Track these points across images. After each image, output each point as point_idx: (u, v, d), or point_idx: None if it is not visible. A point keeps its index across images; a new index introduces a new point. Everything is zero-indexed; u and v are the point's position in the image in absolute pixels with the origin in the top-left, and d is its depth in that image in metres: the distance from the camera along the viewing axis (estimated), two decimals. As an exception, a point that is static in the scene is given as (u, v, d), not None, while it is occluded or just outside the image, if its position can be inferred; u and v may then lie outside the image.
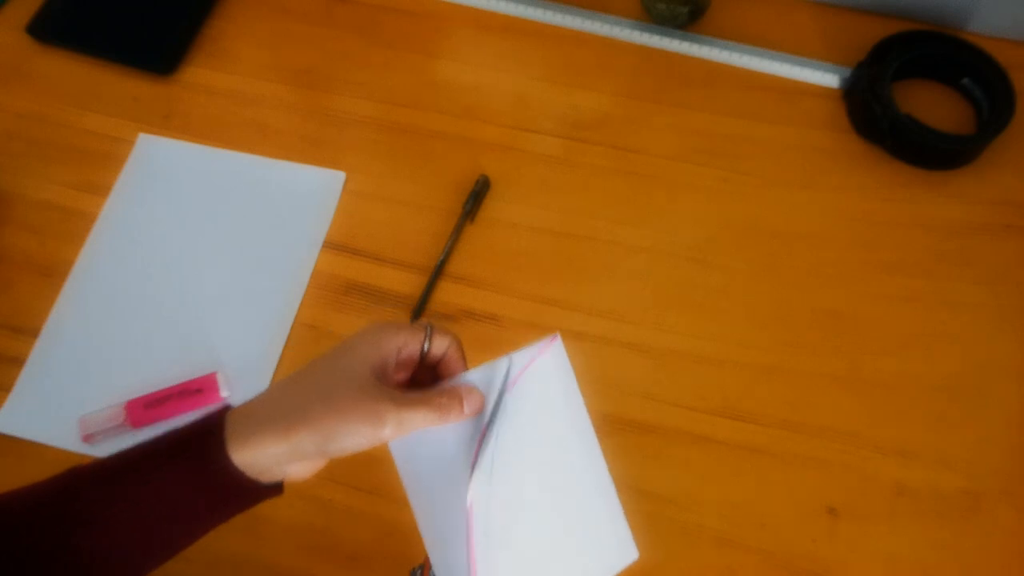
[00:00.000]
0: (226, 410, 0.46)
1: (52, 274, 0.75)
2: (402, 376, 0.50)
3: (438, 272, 0.74)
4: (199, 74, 0.85)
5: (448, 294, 0.74)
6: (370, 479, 0.67)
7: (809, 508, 0.65)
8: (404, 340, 0.48)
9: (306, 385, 0.46)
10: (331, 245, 0.76)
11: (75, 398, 0.69)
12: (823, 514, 0.65)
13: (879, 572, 0.63)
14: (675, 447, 0.68)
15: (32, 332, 0.72)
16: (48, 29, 0.87)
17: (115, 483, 0.45)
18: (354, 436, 0.44)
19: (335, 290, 0.74)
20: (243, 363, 0.71)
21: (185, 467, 0.44)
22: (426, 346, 0.49)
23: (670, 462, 0.67)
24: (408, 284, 0.74)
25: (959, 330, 0.72)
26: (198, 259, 0.76)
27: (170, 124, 0.83)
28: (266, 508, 0.64)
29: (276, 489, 0.47)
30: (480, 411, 0.48)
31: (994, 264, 0.75)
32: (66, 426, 0.68)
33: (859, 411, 0.69)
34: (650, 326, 0.72)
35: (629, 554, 0.52)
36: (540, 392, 0.51)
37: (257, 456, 0.44)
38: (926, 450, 0.67)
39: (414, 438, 0.47)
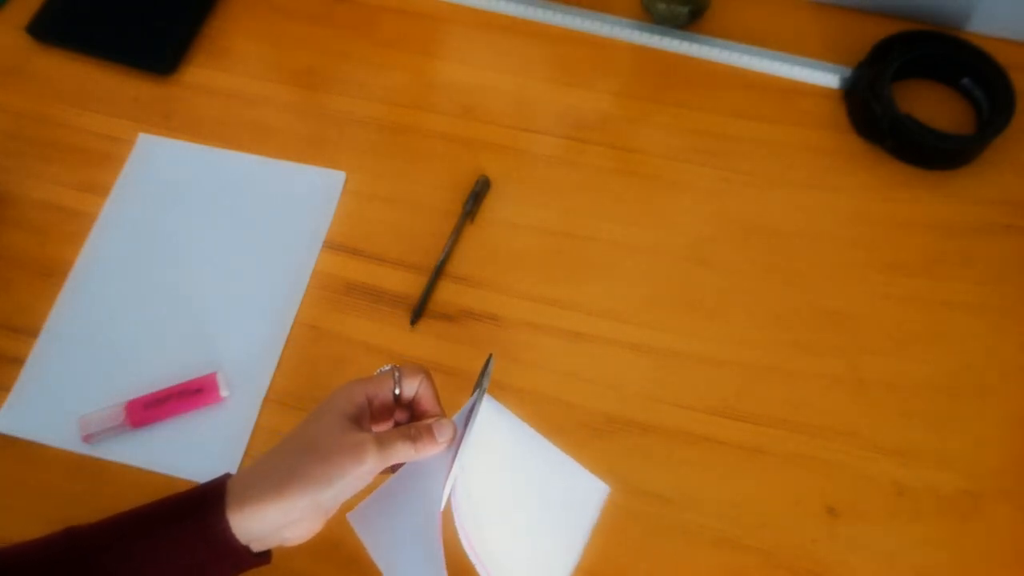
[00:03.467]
0: (227, 478, 0.48)
1: (52, 274, 0.75)
2: (381, 426, 0.53)
3: (438, 272, 0.74)
4: (199, 74, 0.85)
5: (448, 294, 0.74)
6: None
7: (809, 508, 0.65)
8: (374, 390, 0.51)
9: (291, 448, 0.49)
10: (331, 245, 0.76)
11: (75, 398, 0.69)
12: (823, 514, 0.65)
13: (879, 572, 0.63)
14: (675, 447, 0.68)
15: (32, 332, 0.72)
16: (48, 29, 0.87)
17: (124, 541, 0.46)
18: (342, 476, 0.46)
19: (335, 290, 0.74)
20: (243, 363, 0.71)
21: (190, 529, 0.46)
22: (396, 390, 0.51)
23: (670, 462, 0.67)
24: (408, 284, 0.74)
25: (959, 330, 0.72)
26: (198, 259, 0.76)
27: (170, 124, 0.83)
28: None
29: (265, 557, 0.50)
30: (452, 441, 0.50)
31: (994, 264, 0.75)
32: (66, 426, 0.68)
33: (859, 411, 0.69)
34: (650, 326, 0.72)
35: (601, 491, 0.57)
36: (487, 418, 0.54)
37: (253, 523, 0.46)
38: (926, 450, 0.67)
39: (373, 507, 0.51)
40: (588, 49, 0.87)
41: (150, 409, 0.68)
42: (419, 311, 0.73)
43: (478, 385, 0.55)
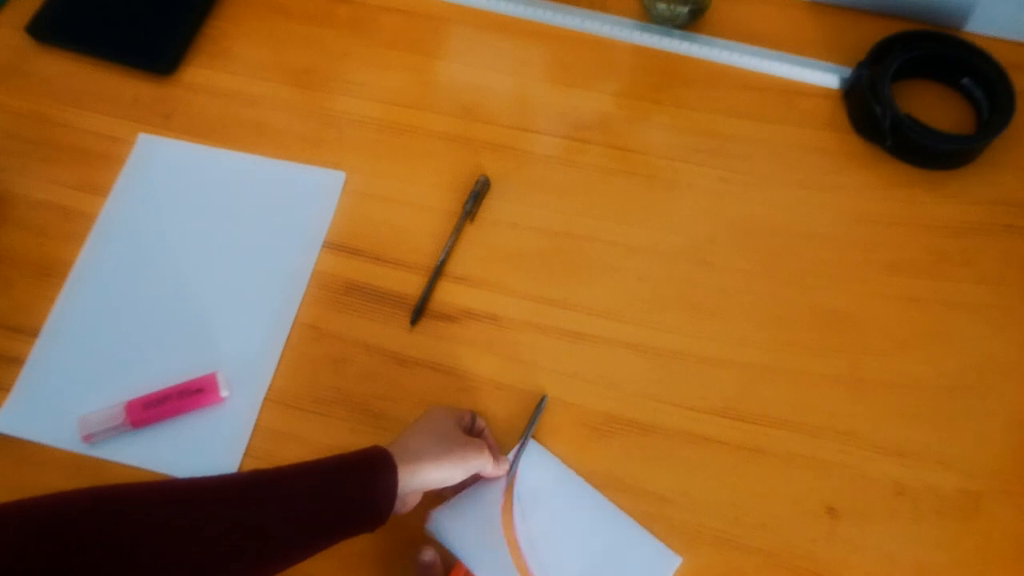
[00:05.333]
0: (392, 456, 0.56)
1: (52, 274, 0.75)
2: None
3: (438, 272, 0.74)
4: (199, 74, 0.85)
5: (448, 294, 0.74)
6: (370, 479, 0.67)
7: (809, 508, 0.65)
8: (460, 415, 0.64)
9: (429, 434, 0.60)
10: (331, 245, 0.76)
11: (75, 398, 0.69)
12: (823, 514, 0.65)
13: (879, 572, 0.63)
14: (675, 447, 0.68)
15: (32, 332, 0.72)
16: (48, 29, 0.87)
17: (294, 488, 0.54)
18: (468, 461, 0.59)
19: (335, 290, 0.74)
20: (243, 363, 0.71)
21: (364, 477, 0.55)
22: (476, 421, 0.66)
23: (670, 462, 0.67)
24: (408, 284, 0.74)
25: (959, 330, 0.72)
26: (198, 259, 0.76)
27: (170, 124, 0.83)
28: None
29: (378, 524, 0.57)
30: (500, 475, 0.63)
31: (994, 264, 0.75)
32: (66, 426, 0.68)
33: (859, 411, 0.69)
34: (650, 326, 0.72)
35: (672, 561, 0.63)
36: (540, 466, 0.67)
37: (413, 479, 0.56)
38: (926, 450, 0.67)
39: (448, 516, 0.62)
40: (588, 49, 0.87)
41: (150, 409, 0.68)
42: (419, 311, 0.73)
43: (529, 426, 0.67)
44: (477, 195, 0.77)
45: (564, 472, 0.66)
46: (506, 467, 0.64)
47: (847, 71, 0.83)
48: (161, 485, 0.50)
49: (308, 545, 0.53)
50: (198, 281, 0.75)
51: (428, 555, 0.59)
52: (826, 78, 0.83)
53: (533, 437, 0.67)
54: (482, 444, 0.61)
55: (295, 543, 0.52)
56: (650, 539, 0.63)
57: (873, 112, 0.78)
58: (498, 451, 0.64)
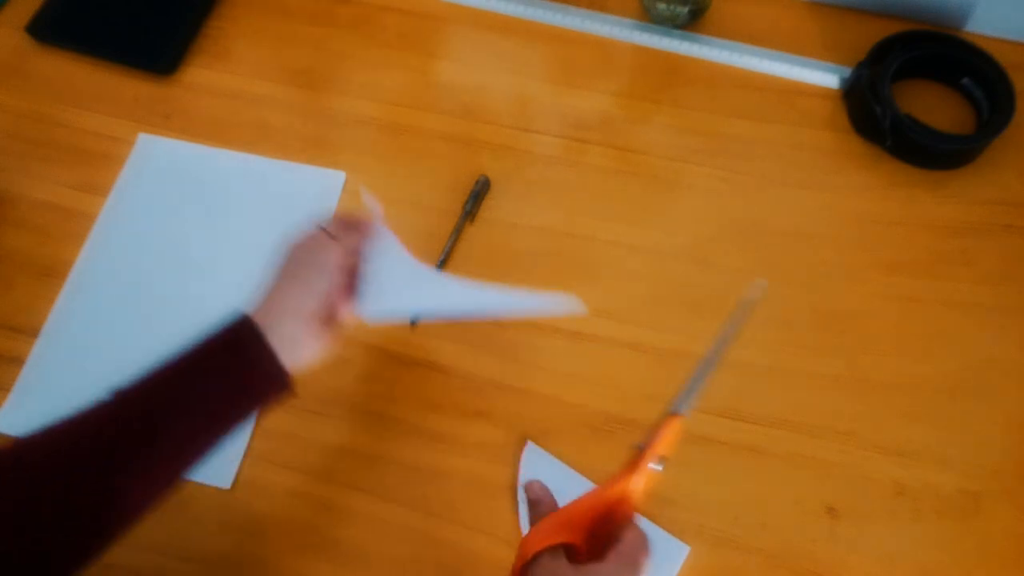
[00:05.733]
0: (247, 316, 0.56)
1: (52, 274, 0.75)
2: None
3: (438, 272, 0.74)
4: (199, 74, 0.85)
5: (448, 294, 0.74)
6: (370, 479, 0.67)
7: (809, 508, 0.65)
8: (316, 232, 0.61)
9: (284, 274, 0.59)
10: (331, 245, 0.76)
11: (75, 398, 0.69)
12: (823, 514, 0.65)
13: (879, 572, 0.63)
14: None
15: (32, 332, 0.72)
16: (48, 29, 0.87)
17: (172, 390, 0.54)
18: (315, 267, 0.58)
19: (335, 290, 0.74)
20: (243, 363, 0.71)
21: (236, 359, 0.55)
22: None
23: (670, 462, 0.67)
24: (408, 284, 0.74)
25: (959, 330, 0.72)
26: (198, 259, 0.76)
27: (170, 124, 0.83)
28: (265, 508, 0.65)
29: (292, 381, 0.56)
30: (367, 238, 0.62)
31: (994, 264, 0.74)
32: (66, 426, 0.67)
33: (859, 411, 0.69)
34: (650, 326, 0.72)
35: (681, 551, 0.63)
36: None
37: (275, 320, 0.55)
38: (926, 450, 0.67)
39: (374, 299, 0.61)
40: (588, 49, 0.86)
41: (150, 409, 0.68)
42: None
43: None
44: (477, 195, 0.77)
45: (566, 472, 0.66)
46: (367, 228, 0.62)
47: (847, 71, 0.83)
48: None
49: (209, 431, 0.54)
50: (198, 281, 0.75)
51: (535, 490, 0.57)
52: (826, 78, 0.83)
53: (532, 440, 0.67)
54: (335, 243, 0.59)
55: (190, 437, 0.53)
56: (657, 531, 0.64)
57: (873, 112, 0.78)
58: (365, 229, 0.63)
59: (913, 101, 0.80)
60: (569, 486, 0.65)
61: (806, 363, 0.71)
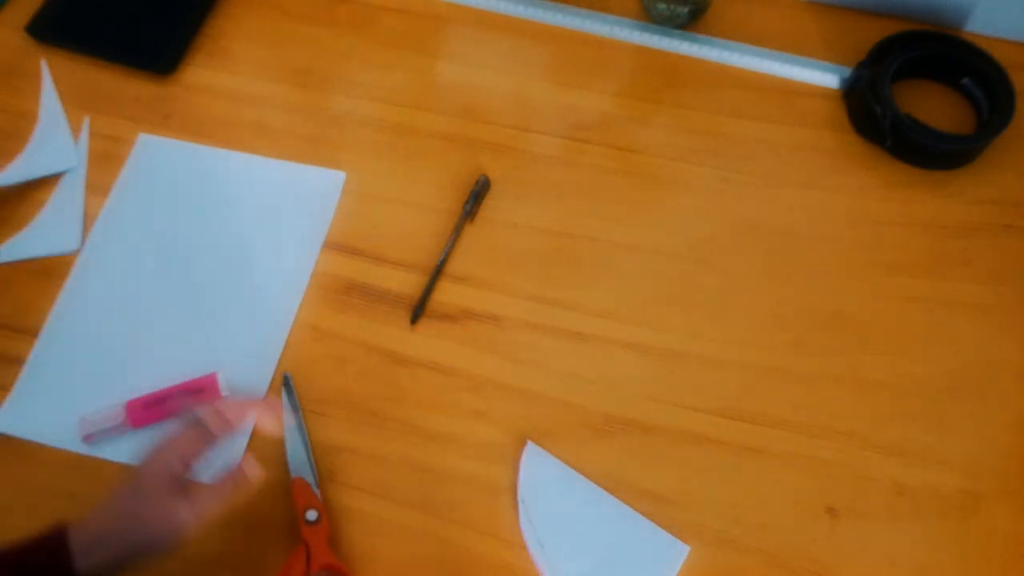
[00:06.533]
0: (65, 528, 0.52)
1: (52, 274, 0.75)
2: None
3: (438, 272, 0.74)
4: (199, 74, 0.85)
5: (448, 294, 0.74)
6: (370, 479, 0.67)
7: (809, 508, 0.65)
8: (178, 455, 0.57)
9: (117, 504, 0.55)
10: (331, 245, 0.76)
11: (75, 398, 0.69)
12: (823, 514, 0.65)
13: (879, 572, 0.63)
14: (675, 447, 0.68)
15: (32, 332, 0.72)
16: (48, 29, 0.87)
17: None
18: (162, 536, 0.54)
19: (335, 290, 0.74)
20: (243, 363, 0.71)
21: None
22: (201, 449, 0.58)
23: (670, 462, 0.67)
24: (408, 284, 0.74)
25: (959, 330, 0.72)
26: (198, 259, 0.76)
27: (170, 124, 0.83)
28: (265, 508, 0.65)
29: None
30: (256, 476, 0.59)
31: (994, 264, 0.75)
32: (66, 426, 0.68)
33: (859, 411, 0.69)
34: (650, 326, 0.72)
35: (680, 551, 0.63)
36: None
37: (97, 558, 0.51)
38: (926, 450, 0.67)
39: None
40: (588, 49, 0.87)
41: (150, 409, 0.68)
42: (419, 311, 0.73)
43: None
44: (477, 195, 0.77)
45: (566, 472, 0.66)
46: (257, 474, 0.58)
47: (847, 71, 0.83)
48: None
49: None
50: (198, 281, 0.75)
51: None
52: (826, 78, 0.83)
53: (532, 440, 0.67)
54: (195, 503, 0.55)
55: None
56: (657, 531, 0.64)
57: (873, 112, 0.78)
58: (246, 460, 0.59)
59: (913, 101, 0.80)
60: (570, 487, 0.65)
61: (806, 363, 0.71)
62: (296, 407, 0.69)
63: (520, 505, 0.64)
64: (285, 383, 0.70)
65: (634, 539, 0.64)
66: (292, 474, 0.65)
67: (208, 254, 0.76)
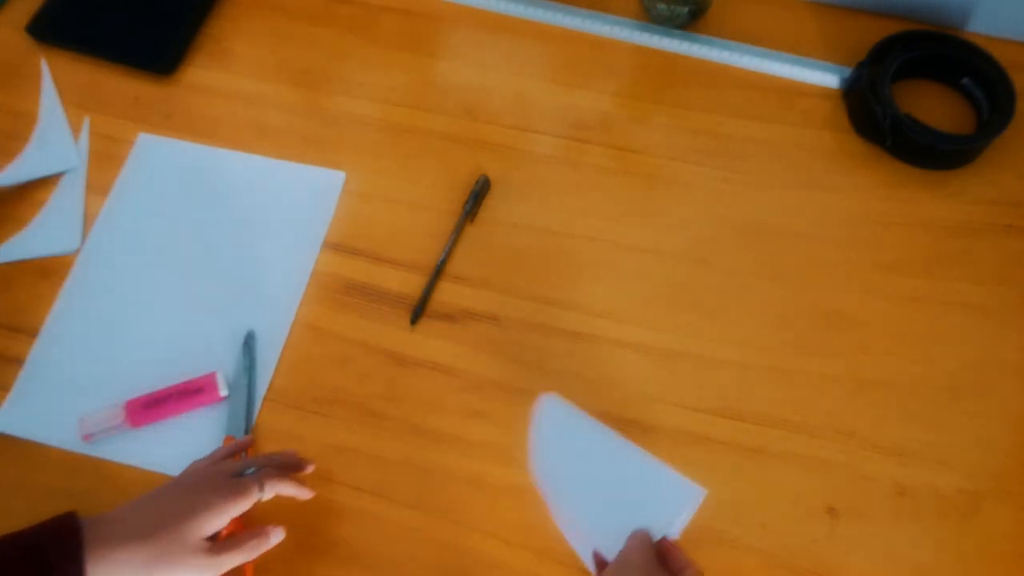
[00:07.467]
0: (75, 518, 0.49)
1: (52, 274, 0.75)
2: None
3: (438, 272, 0.74)
4: (199, 74, 0.85)
5: (448, 294, 0.74)
6: (370, 479, 0.67)
7: (809, 508, 0.65)
8: (227, 516, 0.55)
9: (154, 502, 0.54)
10: (331, 245, 0.76)
11: (75, 398, 0.69)
12: (823, 514, 0.65)
13: (879, 572, 0.63)
14: (675, 447, 0.68)
15: (32, 332, 0.72)
16: (48, 29, 0.87)
17: None
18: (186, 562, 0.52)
19: (335, 290, 0.74)
20: (243, 363, 0.71)
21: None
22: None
23: (670, 462, 0.67)
24: (408, 284, 0.74)
25: (959, 330, 0.72)
26: (198, 259, 0.76)
27: (170, 124, 0.83)
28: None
29: None
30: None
31: (994, 264, 0.75)
32: (66, 426, 0.68)
33: (859, 411, 0.69)
34: (650, 326, 0.72)
35: (696, 494, 0.59)
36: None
37: (107, 566, 0.48)
38: (926, 450, 0.67)
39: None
40: (588, 49, 0.87)
41: (150, 409, 0.68)
42: (419, 311, 0.73)
43: None
44: (477, 195, 0.77)
45: (579, 416, 0.64)
46: (279, 538, 0.59)
47: (847, 71, 0.83)
48: None
49: None
50: (198, 281, 0.75)
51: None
52: (826, 78, 0.83)
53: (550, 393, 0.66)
54: (218, 552, 0.54)
55: None
56: (672, 473, 0.61)
57: (873, 112, 0.78)
58: (273, 528, 0.59)
59: (913, 101, 0.80)
60: (583, 431, 0.64)
61: (806, 363, 0.71)
62: (249, 368, 0.68)
63: (533, 450, 0.64)
64: (246, 341, 0.70)
65: (648, 482, 0.61)
66: (224, 432, 0.66)
67: (208, 254, 0.76)
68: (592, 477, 0.62)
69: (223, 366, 0.70)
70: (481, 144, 0.81)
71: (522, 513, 0.65)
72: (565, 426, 0.64)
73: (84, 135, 0.81)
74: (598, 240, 0.76)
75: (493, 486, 0.66)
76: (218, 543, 0.55)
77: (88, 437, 0.67)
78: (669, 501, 0.60)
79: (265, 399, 0.70)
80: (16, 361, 0.71)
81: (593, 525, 0.60)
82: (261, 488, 0.57)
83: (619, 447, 0.63)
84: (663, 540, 0.55)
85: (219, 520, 0.54)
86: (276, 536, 0.58)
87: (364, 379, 0.71)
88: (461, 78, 0.85)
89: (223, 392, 0.69)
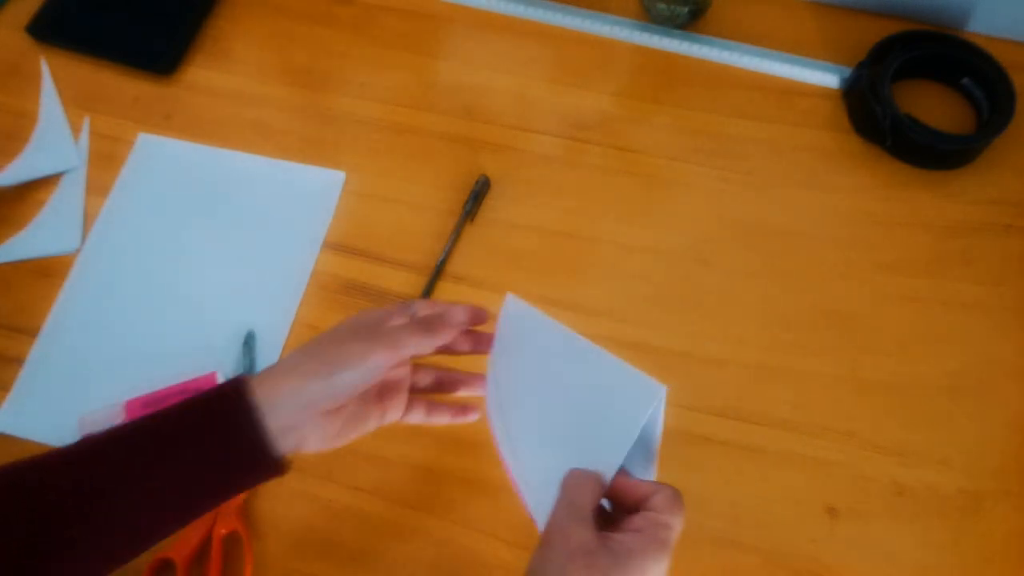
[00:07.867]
0: (244, 382, 0.48)
1: (52, 274, 0.75)
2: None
3: (438, 272, 0.74)
4: (199, 74, 0.85)
5: (448, 294, 0.74)
6: (370, 479, 0.67)
7: (809, 508, 0.65)
8: (384, 314, 0.53)
9: (318, 342, 0.51)
10: (331, 245, 0.76)
11: (75, 398, 0.69)
12: (823, 514, 0.65)
13: (879, 572, 0.63)
14: (675, 447, 0.68)
15: (32, 332, 0.72)
16: (48, 29, 0.87)
17: (136, 456, 0.46)
18: (354, 361, 0.48)
19: (335, 290, 0.74)
20: (242, 363, 0.71)
21: (219, 427, 0.47)
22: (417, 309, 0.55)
23: (670, 462, 0.67)
24: (408, 284, 0.74)
25: (959, 330, 0.72)
26: (198, 259, 0.76)
27: (170, 124, 0.83)
28: (265, 508, 0.65)
29: (283, 465, 0.49)
30: (469, 322, 0.56)
31: (994, 264, 0.75)
32: (66, 426, 0.68)
33: (859, 411, 0.69)
34: (650, 326, 0.72)
35: (654, 392, 0.52)
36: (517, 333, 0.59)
37: (277, 399, 0.47)
38: (926, 450, 0.67)
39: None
40: (588, 49, 0.87)
41: (150, 409, 0.67)
42: (419, 311, 0.73)
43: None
44: (477, 195, 0.77)
45: (538, 317, 0.58)
46: (461, 319, 0.55)
47: (847, 71, 0.83)
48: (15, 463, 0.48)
49: (168, 507, 0.47)
50: (198, 281, 0.75)
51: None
52: (826, 78, 0.83)
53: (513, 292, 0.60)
54: (393, 334, 0.50)
55: (146, 506, 0.46)
56: (631, 371, 0.53)
57: (873, 112, 0.78)
58: (451, 307, 0.56)
59: (913, 101, 0.80)
60: (540, 336, 0.58)
61: (806, 363, 0.71)
62: (249, 367, 0.69)
63: (489, 364, 0.59)
64: (246, 341, 0.70)
65: (605, 382, 0.54)
66: None
67: (207, 254, 0.76)
68: (547, 382, 0.56)
69: (223, 366, 0.70)
70: (481, 144, 0.81)
71: (522, 513, 0.65)
72: (524, 329, 0.58)
73: (84, 135, 0.81)
74: (598, 240, 0.76)
75: (493, 486, 0.66)
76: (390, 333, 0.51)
77: (88, 437, 0.67)
78: (630, 403, 0.52)
79: (265, 399, 0.70)
80: (16, 361, 0.71)
81: (548, 453, 0.53)
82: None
83: (575, 346, 0.56)
84: (612, 483, 0.50)
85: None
86: (466, 314, 0.56)
87: (364, 379, 0.71)
88: (461, 78, 0.85)
89: (223, 392, 0.69)
